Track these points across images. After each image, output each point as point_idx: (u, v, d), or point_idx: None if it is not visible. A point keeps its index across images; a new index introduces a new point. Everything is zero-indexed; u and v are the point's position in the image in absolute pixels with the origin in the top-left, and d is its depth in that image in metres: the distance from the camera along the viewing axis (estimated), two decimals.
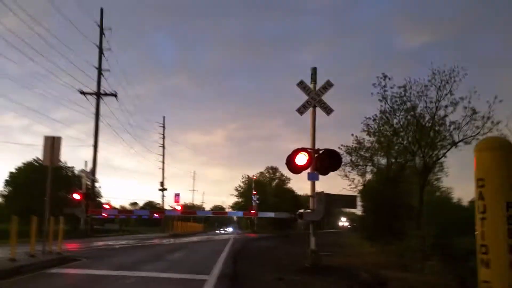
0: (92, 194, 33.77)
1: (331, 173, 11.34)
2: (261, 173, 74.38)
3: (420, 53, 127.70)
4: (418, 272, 10.18)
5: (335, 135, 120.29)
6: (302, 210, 11.28)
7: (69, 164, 40.18)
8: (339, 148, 21.09)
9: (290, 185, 69.65)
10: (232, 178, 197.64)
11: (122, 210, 56.03)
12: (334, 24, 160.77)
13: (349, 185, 25.70)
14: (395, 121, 19.27)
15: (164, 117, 52.99)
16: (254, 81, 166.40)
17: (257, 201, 49.56)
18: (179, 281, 8.29)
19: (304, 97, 11.22)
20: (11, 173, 39.82)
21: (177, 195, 46.87)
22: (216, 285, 7.74)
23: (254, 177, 66.31)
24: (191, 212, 56.30)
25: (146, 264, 10.93)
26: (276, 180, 73.05)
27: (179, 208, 43.88)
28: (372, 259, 14.31)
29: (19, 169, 39.08)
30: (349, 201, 12.17)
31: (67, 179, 38.97)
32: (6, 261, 9.22)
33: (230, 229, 72.46)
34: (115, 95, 33.37)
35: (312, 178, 10.85)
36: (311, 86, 11.26)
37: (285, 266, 10.78)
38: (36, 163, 35.12)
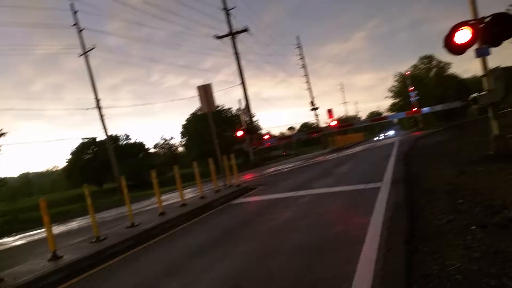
0: (252, 128, 36.37)
1: (504, 43, 9.39)
2: (415, 66, 67.89)
3: None
4: None
5: None
6: (476, 94, 9.74)
7: (227, 106, 44.11)
8: (507, 9, 17.47)
9: (451, 70, 62.30)
10: (382, 80, 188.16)
11: (282, 137, 59.34)
12: None
13: None
14: None
15: (297, 36, 52.24)
16: None
17: (416, 97, 46.01)
18: (352, 192, 8.22)
19: None
20: (182, 125, 45.99)
21: (329, 111, 46.79)
22: (391, 190, 7.43)
23: (408, 72, 61.15)
24: (347, 125, 55.90)
25: (317, 181, 11.22)
26: (434, 69, 65.93)
27: (334, 123, 43.95)
28: None
29: (188, 120, 44.82)
30: None
31: (229, 120, 43.03)
32: (198, 200, 10.70)
33: (391, 133, 69.87)
34: (246, 30, 34.06)
35: (482, 53, 9.11)
36: None
37: (465, 158, 9.69)
38: (199, 112, 39.52)
